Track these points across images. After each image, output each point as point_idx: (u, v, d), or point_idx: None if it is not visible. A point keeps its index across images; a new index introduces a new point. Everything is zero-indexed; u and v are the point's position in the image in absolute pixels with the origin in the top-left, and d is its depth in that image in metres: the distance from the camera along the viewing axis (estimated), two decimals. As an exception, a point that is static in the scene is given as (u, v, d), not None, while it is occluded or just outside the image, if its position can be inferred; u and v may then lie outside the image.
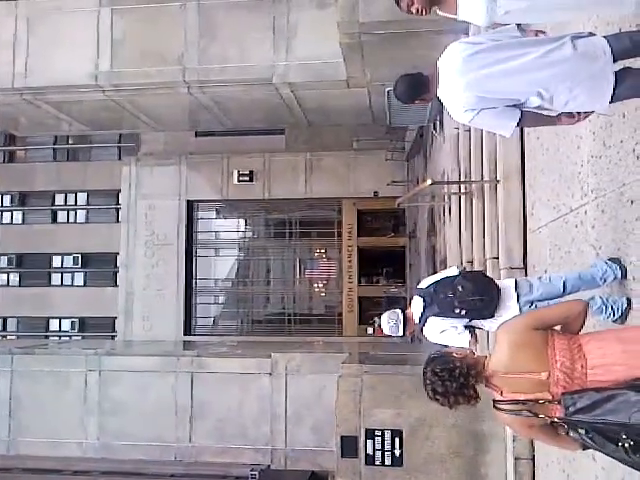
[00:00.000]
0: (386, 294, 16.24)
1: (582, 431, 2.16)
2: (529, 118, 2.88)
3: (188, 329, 16.51)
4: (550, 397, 2.19)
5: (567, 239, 4.92)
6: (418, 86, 2.98)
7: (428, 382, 2.37)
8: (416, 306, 4.23)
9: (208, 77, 10.82)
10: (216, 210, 17.80)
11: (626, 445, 2.03)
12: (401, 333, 4.46)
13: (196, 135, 16.77)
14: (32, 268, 18.10)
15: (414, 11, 2.91)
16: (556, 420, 2.21)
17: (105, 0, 11.45)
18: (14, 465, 11.05)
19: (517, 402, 2.22)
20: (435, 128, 10.65)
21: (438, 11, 2.94)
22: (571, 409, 2.13)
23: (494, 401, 2.32)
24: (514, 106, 2.80)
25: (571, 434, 2.20)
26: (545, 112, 2.83)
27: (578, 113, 2.84)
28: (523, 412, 2.21)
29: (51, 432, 10.83)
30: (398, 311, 4.40)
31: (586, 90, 2.69)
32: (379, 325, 4.55)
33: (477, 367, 2.35)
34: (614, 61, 2.67)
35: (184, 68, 10.80)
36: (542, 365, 2.22)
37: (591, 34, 2.77)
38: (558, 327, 2.38)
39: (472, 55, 2.74)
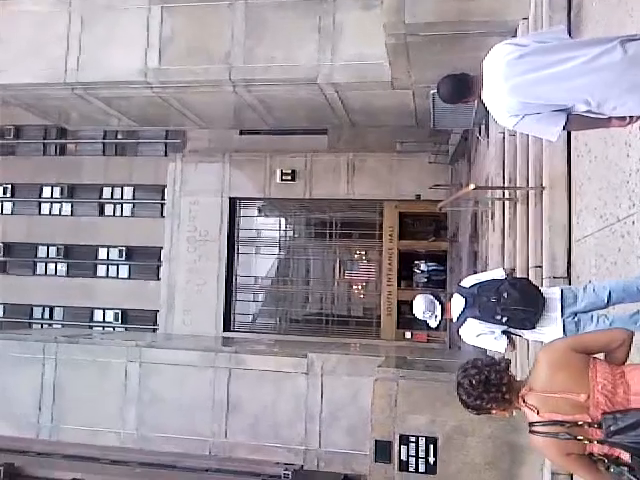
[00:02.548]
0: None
1: (625, 468, 2.06)
2: (577, 122, 2.78)
3: (227, 325, 16.68)
4: (589, 420, 2.09)
5: (613, 249, 4.77)
6: (462, 87, 2.93)
7: (461, 389, 2.34)
8: (456, 305, 4.14)
9: (253, 76, 10.90)
10: (258, 208, 17.92)
11: None
12: (433, 326, 4.40)
13: (240, 133, 16.92)
14: (79, 259, 18.56)
15: None
16: (595, 451, 2.10)
17: (156, -2, 11.69)
18: (55, 451, 11.37)
19: (554, 423, 2.13)
20: (480, 132, 10.48)
21: None
22: (612, 428, 2.03)
23: (530, 424, 2.23)
24: (560, 110, 2.72)
25: (612, 470, 2.10)
26: (594, 115, 2.74)
27: (630, 117, 2.75)
28: (560, 434, 2.11)
29: (91, 420, 11.09)
30: (437, 304, 4.31)
31: (636, 96, 2.59)
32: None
33: (511, 379, 2.31)
34: None
35: (230, 67, 10.90)
36: (582, 386, 2.13)
37: None
38: (601, 356, 2.29)
39: (517, 59, 2.67)
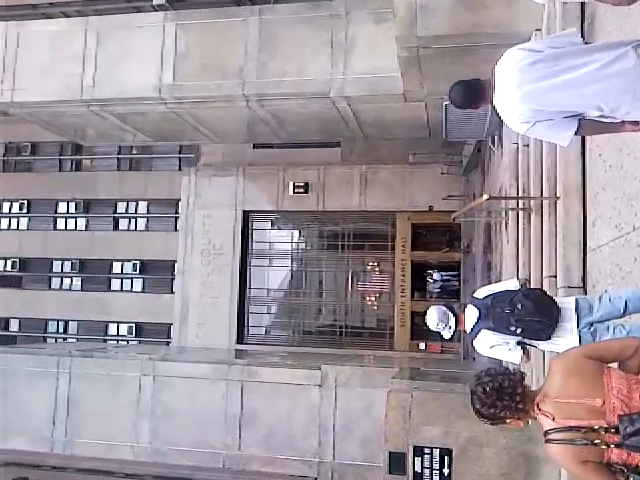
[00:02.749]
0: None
1: None
2: (589, 127, 2.79)
3: (241, 338, 16.69)
4: (606, 425, 2.06)
5: (629, 259, 4.74)
6: (474, 93, 2.94)
7: (475, 398, 2.33)
8: (470, 316, 4.12)
9: (266, 91, 11.00)
10: (271, 221, 17.99)
11: None
12: (447, 337, 4.39)
13: (254, 147, 17.03)
14: (93, 273, 18.71)
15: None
16: (613, 459, 2.06)
17: (170, 15, 11.86)
18: (69, 465, 11.40)
19: (570, 429, 2.11)
20: (493, 142, 10.48)
21: None
22: (629, 430, 2.00)
23: (545, 433, 2.21)
24: (572, 116, 2.73)
25: (632, 479, 2.08)
26: (606, 120, 2.74)
27: None
28: (577, 440, 2.07)
29: (105, 434, 11.11)
30: (450, 315, 4.29)
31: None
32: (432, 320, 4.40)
33: (525, 390, 2.30)
34: None
35: (243, 82, 11.01)
36: (597, 392, 2.12)
37: None
38: (616, 365, 2.28)
39: (530, 65, 2.67)
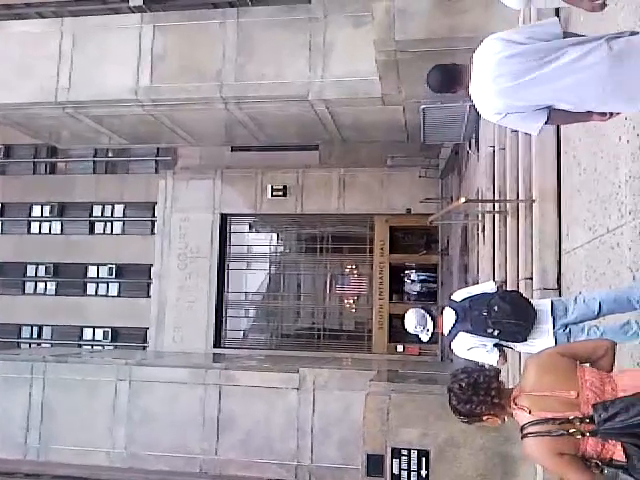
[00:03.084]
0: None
1: (619, 470, 2.08)
2: (559, 116, 2.85)
3: (218, 342, 16.58)
4: (580, 415, 2.12)
5: (603, 261, 4.82)
6: (451, 76, 2.95)
7: (452, 395, 2.37)
8: (448, 319, 4.15)
9: (245, 93, 10.97)
10: (249, 224, 17.93)
11: None
12: (425, 340, 4.41)
13: (232, 150, 16.97)
14: (68, 277, 18.44)
15: None
16: (588, 450, 2.11)
17: (147, 17, 11.78)
18: (43, 471, 11.21)
19: (546, 421, 2.16)
20: (470, 146, 10.58)
21: None
22: (602, 416, 2.07)
23: (522, 428, 2.25)
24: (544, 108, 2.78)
25: (606, 472, 2.13)
26: (575, 110, 2.79)
27: (611, 113, 2.80)
28: (552, 431, 2.13)
29: (80, 440, 10.95)
30: (428, 318, 4.32)
31: (617, 94, 2.61)
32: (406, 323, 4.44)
33: (500, 385, 2.34)
34: None
35: (221, 84, 10.97)
36: (571, 385, 2.19)
37: (633, 33, 2.68)
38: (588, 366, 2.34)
39: (507, 58, 2.68)
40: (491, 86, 2.72)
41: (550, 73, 2.62)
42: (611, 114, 2.79)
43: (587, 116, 2.82)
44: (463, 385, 2.35)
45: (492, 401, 2.32)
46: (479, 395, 2.32)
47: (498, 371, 2.46)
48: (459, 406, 2.36)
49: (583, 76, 2.59)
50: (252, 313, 17.93)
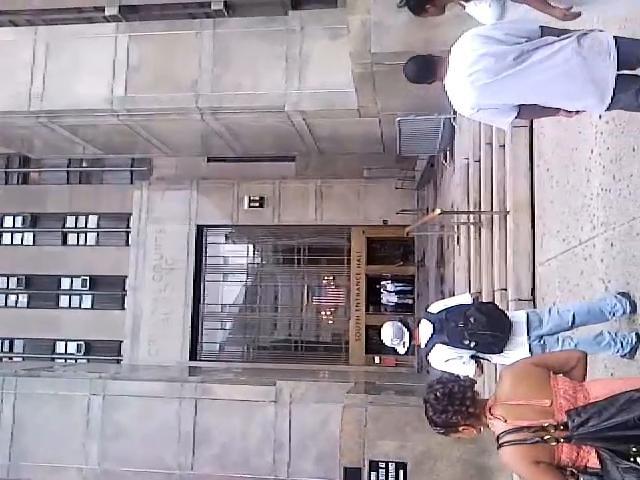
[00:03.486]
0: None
1: (594, 477, 2.11)
2: (528, 111, 2.93)
3: (194, 354, 16.42)
4: (555, 423, 2.15)
5: (576, 272, 4.87)
6: (427, 68, 3.00)
7: (428, 405, 2.39)
8: (424, 331, 4.16)
9: (221, 104, 10.94)
10: (225, 235, 17.84)
11: (639, 460, 1.98)
12: (402, 352, 4.41)
13: (208, 161, 16.90)
14: (41, 290, 18.14)
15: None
16: (563, 458, 2.15)
17: (123, 27, 11.71)
18: (14, 489, 10.92)
19: (521, 429, 2.18)
20: (445, 158, 10.68)
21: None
22: (576, 422, 2.10)
23: (497, 437, 2.27)
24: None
25: (581, 479, 2.15)
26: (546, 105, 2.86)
27: (577, 112, 2.86)
28: (528, 439, 2.15)
29: (52, 457, 10.70)
30: (405, 330, 4.33)
31: (587, 89, 2.67)
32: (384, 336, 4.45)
33: (475, 395, 2.35)
34: (621, 66, 2.63)
35: (197, 95, 10.93)
36: (545, 393, 2.23)
37: (600, 31, 2.73)
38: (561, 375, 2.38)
39: (483, 55, 2.72)
40: (466, 81, 2.76)
41: (522, 71, 2.68)
42: (577, 112, 2.85)
43: (555, 111, 2.90)
44: (438, 395, 2.37)
45: (467, 410, 2.34)
46: (454, 405, 2.34)
47: (473, 381, 2.49)
48: (435, 416, 2.37)
49: (553, 73, 2.66)
50: (229, 325, 17.80)
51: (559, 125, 5.28)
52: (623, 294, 3.88)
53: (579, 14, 2.79)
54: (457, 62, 2.81)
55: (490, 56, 2.71)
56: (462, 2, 3.05)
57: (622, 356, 3.82)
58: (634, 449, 2.00)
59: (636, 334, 3.78)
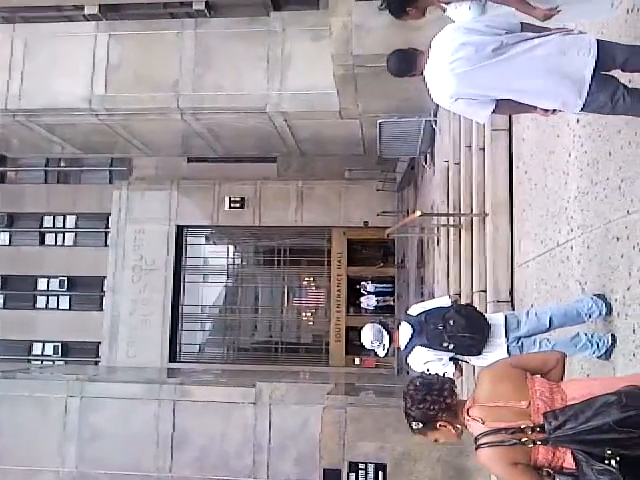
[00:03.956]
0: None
1: (569, 478, 2.14)
2: (505, 106, 2.97)
3: (173, 356, 16.30)
4: (532, 424, 2.18)
5: (553, 274, 4.93)
6: (409, 61, 3.06)
7: (407, 397, 2.42)
8: (404, 333, 4.18)
9: (202, 104, 10.88)
10: (206, 236, 17.75)
11: (613, 462, 2.00)
12: (382, 355, 4.43)
13: (188, 161, 16.81)
14: (17, 290, 17.89)
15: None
16: (540, 459, 2.17)
17: (103, 25, 11.59)
18: (-12, 492, 10.75)
19: (499, 431, 2.20)
20: (425, 160, 10.74)
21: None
22: (553, 424, 2.12)
23: (476, 439, 2.29)
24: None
25: (558, 479, 2.18)
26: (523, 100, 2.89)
27: (553, 111, 2.90)
28: (505, 441, 2.18)
29: (28, 459, 10.55)
30: (384, 333, 4.35)
31: (560, 87, 2.71)
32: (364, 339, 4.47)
33: (453, 389, 2.37)
34: (599, 66, 2.67)
35: (178, 95, 10.85)
36: (522, 395, 2.25)
37: (581, 32, 2.80)
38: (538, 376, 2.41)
39: (464, 44, 2.77)
40: (447, 68, 2.81)
41: (502, 62, 2.73)
42: (554, 111, 2.88)
43: (532, 108, 2.94)
44: (418, 384, 2.41)
45: (445, 401, 2.37)
46: (432, 394, 2.37)
47: (452, 380, 2.52)
48: (413, 407, 2.39)
49: (531, 66, 2.71)
50: (208, 326, 17.71)
51: (538, 129, 5.35)
52: (599, 296, 3.94)
53: (558, 11, 2.83)
54: (438, 51, 2.87)
55: (471, 45, 2.76)
56: (443, 5, 3.08)
57: (598, 357, 3.87)
58: (609, 452, 2.02)
59: (612, 335, 3.83)
